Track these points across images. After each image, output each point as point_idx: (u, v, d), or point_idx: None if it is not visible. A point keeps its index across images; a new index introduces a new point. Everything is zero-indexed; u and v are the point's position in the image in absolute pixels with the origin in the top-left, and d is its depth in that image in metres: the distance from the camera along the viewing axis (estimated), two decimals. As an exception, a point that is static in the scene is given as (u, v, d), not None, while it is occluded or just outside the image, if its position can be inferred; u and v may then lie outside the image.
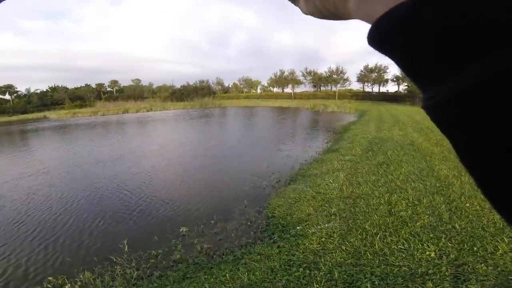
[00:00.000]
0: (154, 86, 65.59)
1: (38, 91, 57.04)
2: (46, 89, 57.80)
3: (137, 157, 10.33)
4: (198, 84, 60.21)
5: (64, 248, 4.30)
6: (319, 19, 0.31)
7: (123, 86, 65.31)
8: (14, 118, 42.00)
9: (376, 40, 0.21)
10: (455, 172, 5.34)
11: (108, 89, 65.00)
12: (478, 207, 3.80)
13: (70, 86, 61.33)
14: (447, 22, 0.17)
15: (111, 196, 6.38)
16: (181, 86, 61.21)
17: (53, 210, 5.75)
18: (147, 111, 40.24)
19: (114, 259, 3.73)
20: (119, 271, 3.48)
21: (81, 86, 60.68)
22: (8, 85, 53.00)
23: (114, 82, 65.47)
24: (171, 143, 13.09)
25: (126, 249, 3.94)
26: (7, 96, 53.20)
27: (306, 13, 0.31)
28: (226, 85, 66.61)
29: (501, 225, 3.26)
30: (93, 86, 62.11)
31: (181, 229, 4.45)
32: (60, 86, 59.50)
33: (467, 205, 3.92)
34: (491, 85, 0.16)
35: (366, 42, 0.23)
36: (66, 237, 4.63)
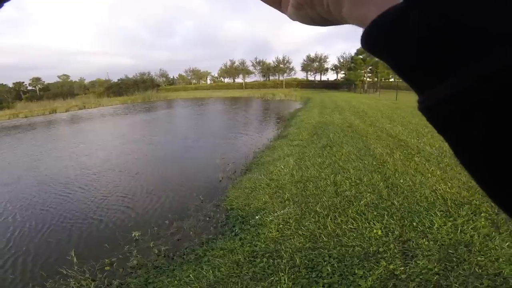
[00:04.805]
0: (86, 82, 58.82)
1: None
2: None
3: (77, 157, 9.28)
4: (138, 77, 55.91)
5: (6, 264, 3.73)
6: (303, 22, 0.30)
7: (48, 84, 57.14)
8: None
9: (369, 43, 0.22)
10: (388, 150, 6.03)
11: (29, 87, 56.25)
12: (410, 182, 4.18)
13: (-23, 85, 51.41)
14: (432, 29, 0.18)
15: (49, 203, 5.67)
16: (118, 80, 56.14)
17: None
18: (79, 109, 35.95)
19: (65, 272, 3.40)
20: (74, 284, 3.19)
21: (-8, 86, 51.30)
22: None
23: (36, 80, 56.83)
24: (112, 142, 12.03)
25: (75, 260, 3.61)
26: None
27: (294, 20, 0.31)
28: (171, 76, 63.40)
29: (432, 200, 3.56)
30: (10, 85, 53.07)
31: (133, 234, 4.22)
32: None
33: (401, 181, 4.27)
34: (475, 90, 0.17)
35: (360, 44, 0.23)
36: (9, 252, 4.01)
